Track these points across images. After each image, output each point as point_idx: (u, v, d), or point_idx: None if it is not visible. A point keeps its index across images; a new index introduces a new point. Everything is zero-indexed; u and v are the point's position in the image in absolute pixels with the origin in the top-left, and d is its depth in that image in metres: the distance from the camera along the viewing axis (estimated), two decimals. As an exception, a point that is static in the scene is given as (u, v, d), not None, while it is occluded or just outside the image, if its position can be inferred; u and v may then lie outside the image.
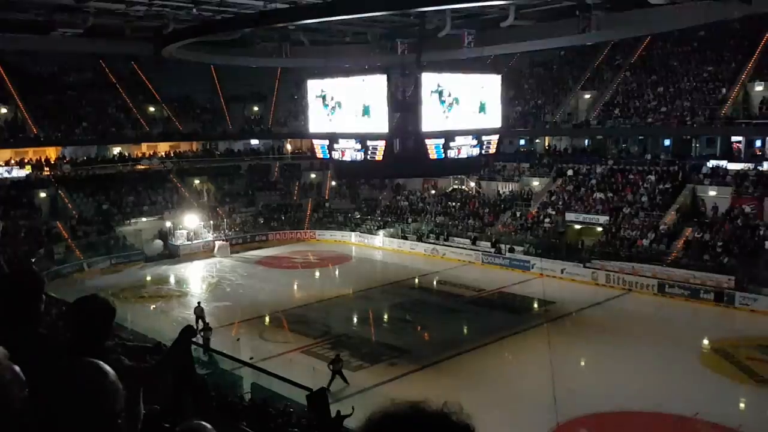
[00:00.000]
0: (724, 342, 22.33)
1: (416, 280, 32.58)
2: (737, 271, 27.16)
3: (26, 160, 41.09)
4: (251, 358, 19.27)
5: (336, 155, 23.14)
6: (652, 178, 35.42)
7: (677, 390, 18.31)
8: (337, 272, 35.65)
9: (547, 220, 36.33)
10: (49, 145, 42.49)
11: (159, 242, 38.39)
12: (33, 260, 31.85)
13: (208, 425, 2.37)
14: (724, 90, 36.45)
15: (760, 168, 32.90)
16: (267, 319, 26.35)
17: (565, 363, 20.79)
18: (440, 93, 22.28)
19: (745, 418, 16.69)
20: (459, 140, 22.61)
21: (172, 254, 37.95)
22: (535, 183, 40.21)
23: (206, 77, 47.89)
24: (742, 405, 18.22)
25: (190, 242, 39.16)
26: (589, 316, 26.35)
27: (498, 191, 41.39)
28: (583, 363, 21.78)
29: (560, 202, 37.18)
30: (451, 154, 22.48)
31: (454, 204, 41.93)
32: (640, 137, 40.03)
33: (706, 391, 18.34)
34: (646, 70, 40.99)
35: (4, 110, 42.21)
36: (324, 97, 24.14)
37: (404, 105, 23.16)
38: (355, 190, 47.04)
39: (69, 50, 40.34)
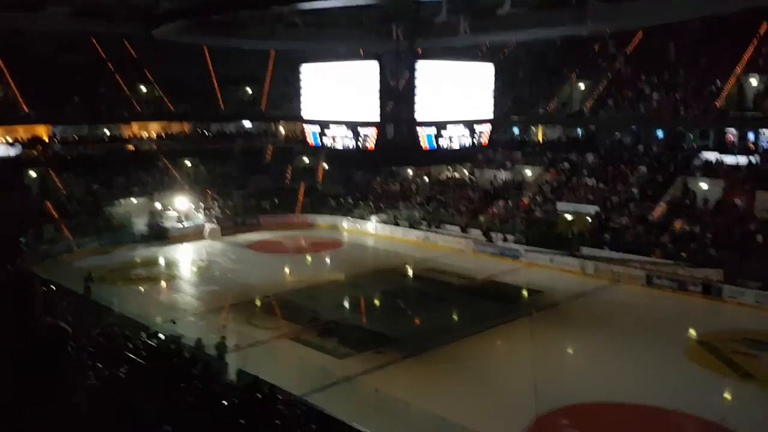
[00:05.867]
0: (710, 335, 22.47)
1: (407, 268, 32.57)
2: (726, 264, 27.26)
3: (16, 139, 40.77)
4: (236, 346, 19.26)
5: (327, 142, 23.03)
6: (644, 169, 35.45)
7: (660, 382, 18.45)
8: (328, 258, 35.62)
9: (538, 209, 36.35)
10: (40, 123, 42.14)
11: (149, 215, 38.29)
12: (22, 240, 31.71)
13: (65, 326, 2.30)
14: (718, 82, 36.38)
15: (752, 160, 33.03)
16: (256, 304, 26.33)
17: (550, 353, 20.95)
18: (434, 80, 22.11)
19: (727, 412, 16.81)
20: (451, 129, 22.49)
21: (161, 236, 37.77)
22: (528, 172, 40.17)
23: (199, 58, 47.40)
24: (724, 399, 18.36)
25: (180, 224, 39.01)
26: (576, 306, 26.43)
27: (490, 180, 41.36)
28: (567, 354, 21.91)
29: (552, 192, 37.18)
30: (443, 143, 22.40)
31: (446, 192, 41.87)
32: (633, 128, 39.98)
33: (689, 384, 18.48)
34: (640, 61, 40.82)
35: (-6, 88, 41.85)
36: (317, 82, 23.95)
37: (397, 92, 23.03)
38: (348, 176, 46.88)
39: (60, 29, 39.90)
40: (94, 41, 45.65)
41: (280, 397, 14.83)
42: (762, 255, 27.25)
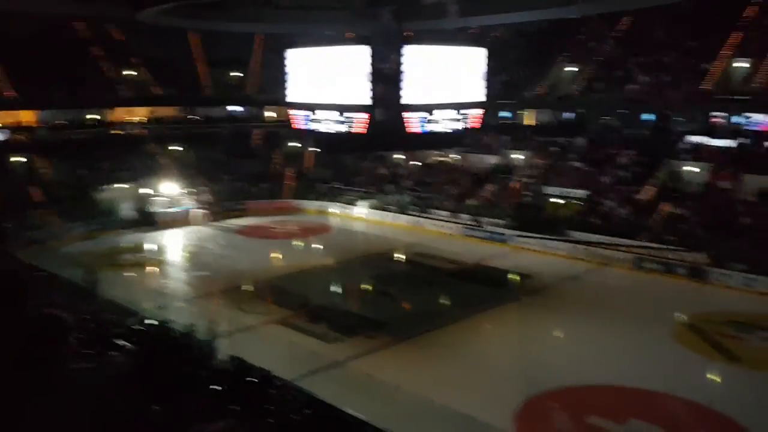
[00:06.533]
0: (697, 318, 22.68)
1: (396, 253, 32.55)
2: (713, 247, 27.47)
3: (1, 124, 40.19)
4: (226, 331, 19.14)
5: (315, 126, 22.87)
6: (632, 152, 35.56)
7: (648, 365, 18.62)
8: (317, 243, 35.51)
9: (526, 193, 36.39)
10: (25, 108, 41.53)
11: (136, 200, 38.09)
12: (8, 226, 31.37)
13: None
14: (705, 65, 36.41)
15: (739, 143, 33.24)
16: (245, 289, 26.24)
17: (539, 337, 21.11)
18: (423, 65, 21.95)
19: (714, 395, 16.98)
20: (441, 114, 22.38)
21: (149, 222, 37.48)
22: (517, 156, 40.17)
23: (185, 40, 46.86)
24: (711, 381, 18.57)
25: (168, 210, 38.72)
26: (564, 290, 26.60)
27: (479, 164, 41.32)
28: (556, 337, 22.03)
29: (540, 176, 37.23)
30: (433, 127, 22.30)
31: (435, 176, 41.81)
32: (621, 111, 40.02)
33: (677, 367, 18.65)
34: (629, 42, 40.75)
35: (-24, 72, 41.10)
36: (303, 67, 23.73)
37: (386, 77, 22.83)
38: (336, 160, 46.65)
39: (45, 11, 39.21)
40: (79, 24, 44.93)
41: (276, 382, 14.84)
42: (748, 238, 27.50)
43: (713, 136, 34.86)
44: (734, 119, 36.07)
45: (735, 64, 36.00)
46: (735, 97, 34.54)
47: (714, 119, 36.58)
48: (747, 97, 33.78)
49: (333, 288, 27.18)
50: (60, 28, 43.17)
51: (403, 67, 20.99)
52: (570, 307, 24.25)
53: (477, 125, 24.21)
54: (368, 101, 21.25)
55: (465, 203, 37.61)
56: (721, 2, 37.09)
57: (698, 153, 33.78)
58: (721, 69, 36.04)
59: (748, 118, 35.07)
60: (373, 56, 20.95)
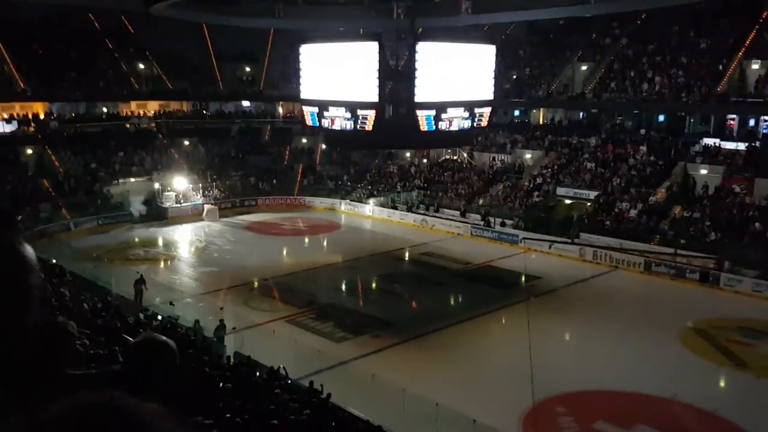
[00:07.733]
0: (706, 323, 22.46)
1: (404, 252, 32.50)
2: (723, 251, 27.21)
3: (13, 116, 40.38)
4: (234, 328, 19.22)
5: (325, 123, 22.78)
6: (645, 152, 35.30)
7: (656, 370, 18.45)
8: (325, 241, 35.54)
9: (537, 193, 36.21)
10: (36, 100, 41.73)
11: (147, 194, 38.21)
12: (19, 218, 31.57)
13: (162, 337, 2.15)
14: (720, 66, 36.07)
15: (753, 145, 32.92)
16: (253, 286, 26.27)
17: (547, 340, 20.94)
18: (435, 62, 21.81)
19: (721, 401, 16.85)
20: (450, 112, 22.23)
21: (159, 216, 37.61)
22: (528, 155, 39.98)
23: (197, 34, 46.94)
24: (719, 387, 18.41)
25: (178, 205, 38.83)
26: (574, 292, 26.41)
27: (490, 163, 41.16)
28: (564, 340, 21.92)
29: (552, 176, 37.03)
30: (443, 126, 22.16)
31: (445, 174, 41.70)
32: (634, 112, 39.76)
33: (684, 373, 18.48)
34: (643, 42, 40.42)
35: (-10, 64, 41.35)
36: (316, 63, 23.67)
37: (396, 73, 22.69)
38: (346, 157, 46.66)
39: (57, 2, 39.36)
40: (91, 16, 45.09)
41: (287, 380, 14.77)
42: (760, 242, 27.24)
43: (727, 139, 34.54)
44: (749, 122, 35.77)
45: (750, 66, 35.63)
46: (750, 100, 34.20)
47: (728, 122, 36.25)
48: (762, 100, 33.43)
49: (340, 286, 27.17)
50: (73, 20, 43.32)
51: (416, 65, 20.86)
52: (578, 310, 24.09)
53: (486, 124, 24.07)
54: (378, 98, 21.15)
55: (474, 203, 37.47)
56: (737, 3, 36.72)
57: (711, 156, 33.46)
58: (736, 70, 35.66)
59: (763, 120, 34.75)
60: (382, 52, 20.83)
